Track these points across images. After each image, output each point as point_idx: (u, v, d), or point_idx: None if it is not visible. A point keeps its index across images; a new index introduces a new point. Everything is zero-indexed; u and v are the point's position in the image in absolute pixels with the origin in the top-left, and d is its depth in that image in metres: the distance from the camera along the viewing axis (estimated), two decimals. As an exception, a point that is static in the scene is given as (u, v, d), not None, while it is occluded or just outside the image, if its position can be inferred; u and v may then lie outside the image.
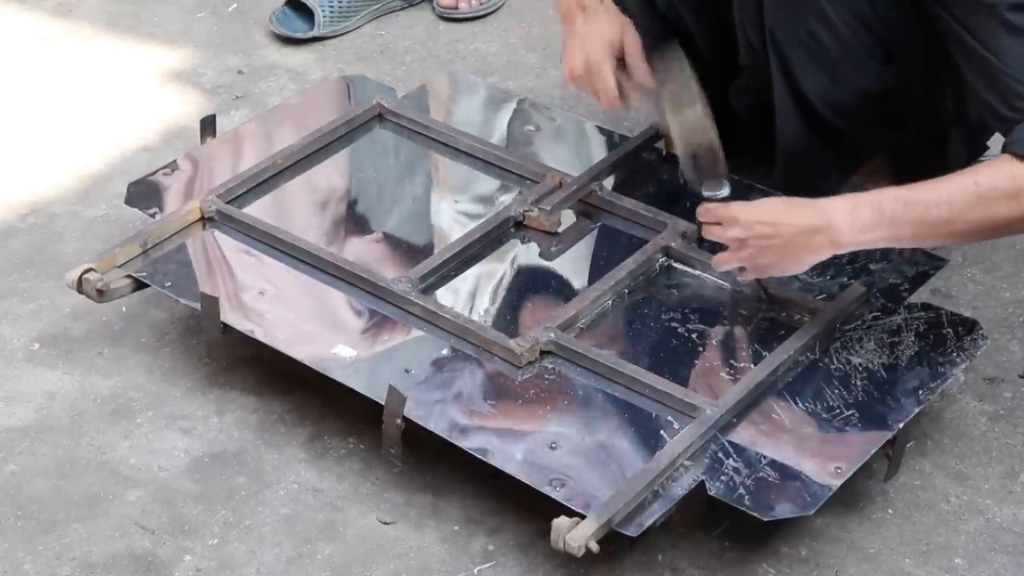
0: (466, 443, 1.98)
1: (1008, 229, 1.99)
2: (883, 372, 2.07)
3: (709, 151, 2.16)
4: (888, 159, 2.50)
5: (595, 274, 2.24)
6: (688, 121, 2.16)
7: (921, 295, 2.24)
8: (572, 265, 2.29)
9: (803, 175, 2.38)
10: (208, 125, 2.50)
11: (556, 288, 2.25)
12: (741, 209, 2.04)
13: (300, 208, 2.40)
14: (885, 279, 2.22)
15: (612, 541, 1.89)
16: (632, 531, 1.86)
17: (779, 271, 2.05)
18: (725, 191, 2.15)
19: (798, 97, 2.25)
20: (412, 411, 2.00)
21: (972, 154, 2.44)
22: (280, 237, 2.27)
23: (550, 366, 2.08)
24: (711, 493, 1.89)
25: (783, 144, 2.34)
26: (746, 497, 1.90)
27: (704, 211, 2.09)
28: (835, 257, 2.25)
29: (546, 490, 1.91)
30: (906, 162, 2.43)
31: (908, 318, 2.15)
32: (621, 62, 2.20)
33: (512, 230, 2.32)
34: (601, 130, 2.58)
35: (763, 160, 2.52)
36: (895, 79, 2.20)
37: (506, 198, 2.40)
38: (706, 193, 2.15)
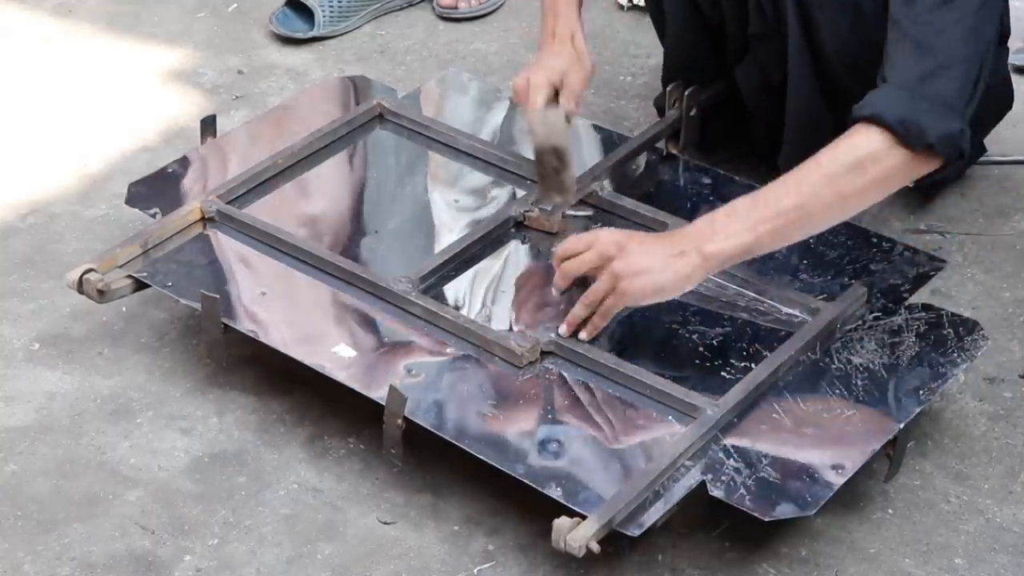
0: (466, 443, 1.98)
1: (862, 201, 2.02)
2: (884, 372, 2.07)
3: (559, 155, 2.26)
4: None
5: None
6: (546, 119, 2.26)
7: (921, 295, 2.24)
8: (572, 265, 2.29)
9: (810, 148, 2.38)
10: (208, 125, 2.50)
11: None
12: (603, 231, 2.08)
13: (300, 208, 2.40)
14: (886, 279, 2.22)
15: (612, 541, 1.89)
16: (633, 531, 1.86)
17: (651, 290, 2.02)
18: (562, 205, 2.26)
19: (814, 53, 2.28)
20: (413, 411, 2.00)
21: (971, 153, 2.44)
22: (280, 237, 2.27)
23: (550, 366, 2.08)
24: (711, 493, 1.89)
25: (792, 110, 2.36)
26: (747, 497, 1.90)
27: (560, 247, 2.10)
28: (835, 257, 2.27)
29: (546, 490, 1.91)
30: None
31: (909, 318, 2.15)
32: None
33: (512, 230, 2.32)
34: (601, 130, 2.58)
35: (764, 161, 2.53)
36: None
37: (506, 198, 2.40)
38: (543, 204, 2.26)
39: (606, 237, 2.05)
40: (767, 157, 2.50)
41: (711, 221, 2.02)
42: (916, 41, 2.03)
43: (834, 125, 2.33)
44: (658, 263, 2.01)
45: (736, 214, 2.00)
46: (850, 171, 1.99)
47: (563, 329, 2.08)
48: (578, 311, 2.07)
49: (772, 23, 2.30)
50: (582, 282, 2.08)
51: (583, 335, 2.07)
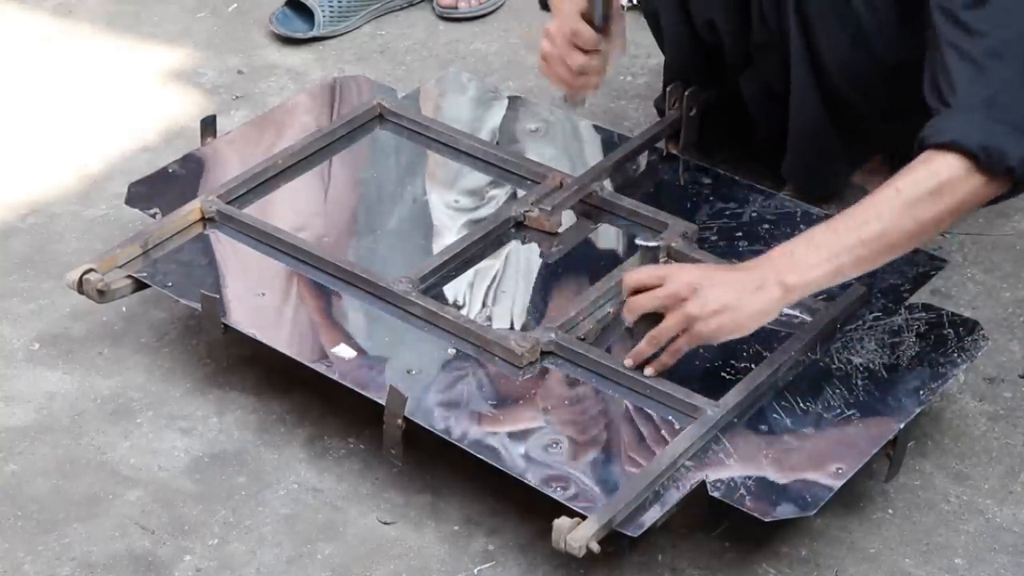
0: (466, 443, 1.98)
1: (937, 227, 2.00)
2: (884, 372, 2.07)
3: None
4: (888, 160, 2.51)
5: (596, 274, 2.24)
6: None
7: (921, 295, 2.24)
8: (573, 265, 2.29)
9: (812, 159, 2.39)
10: (208, 125, 2.50)
11: (557, 288, 2.25)
12: (676, 266, 2.02)
13: (300, 208, 2.40)
14: (886, 279, 2.22)
15: (612, 541, 1.89)
16: (633, 531, 1.86)
17: (728, 329, 1.98)
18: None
19: (816, 66, 2.27)
20: (412, 411, 2.00)
21: None
22: (280, 237, 2.27)
23: (551, 367, 2.08)
24: (712, 493, 1.89)
25: (795, 122, 2.35)
26: (747, 497, 1.90)
27: (630, 277, 2.03)
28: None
29: (547, 490, 1.91)
30: (904, 163, 2.44)
31: (909, 318, 2.15)
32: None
33: (513, 230, 2.32)
34: (601, 130, 2.58)
35: (764, 162, 2.53)
36: (909, 52, 2.21)
37: (507, 198, 2.40)
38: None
39: (679, 277, 1.98)
40: (767, 159, 2.50)
41: (790, 253, 1.97)
42: (975, 61, 2.00)
43: (837, 137, 2.34)
44: (735, 300, 1.95)
45: (816, 245, 1.96)
46: (930, 198, 1.95)
47: (627, 362, 2.02)
48: (644, 348, 2.00)
49: (775, 33, 2.30)
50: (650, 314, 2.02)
51: (649, 371, 2.01)
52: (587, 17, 2.26)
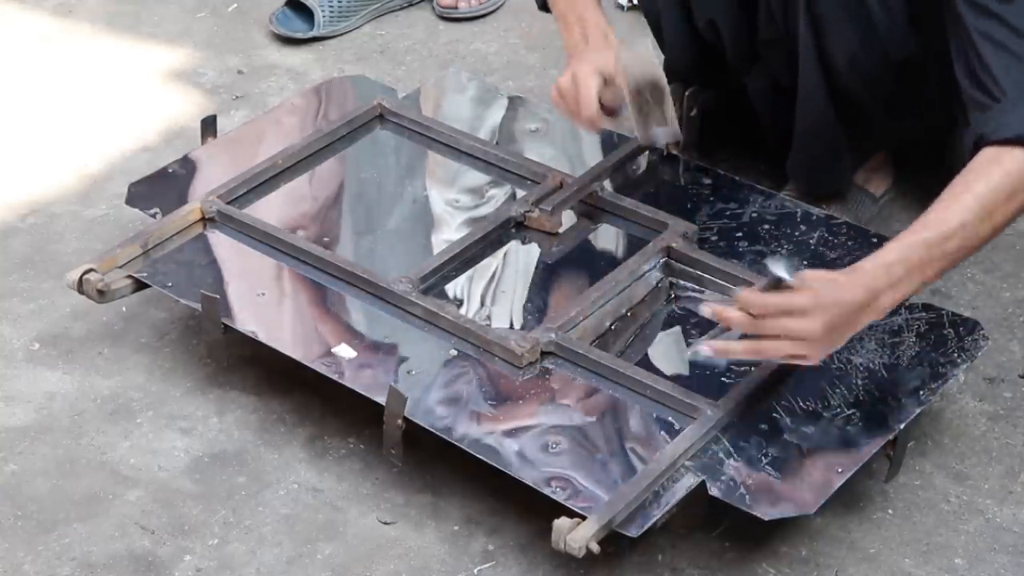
0: (466, 443, 1.98)
1: (1008, 225, 1.98)
2: (884, 372, 2.07)
3: (656, 89, 2.15)
4: (890, 159, 2.51)
5: (596, 275, 2.24)
6: (636, 55, 2.15)
7: (921, 295, 2.24)
8: (573, 266, 2.29)
9: (818, 156, 2.39)
10: (208, 125, 2.50)
11: (557, 289, 2.25)
12: (810, 300, 1.90)
13: (301, 209, 2.40)
14: (885, 279, 2.22)
15: (612, 541, 1.89)
16: (633, 532, 1.86)
17: (826, 351, 1.94)
18: (669, 138, 2.13)
19: (824, 62, 2.26)
20: (412, 412, 2.00)
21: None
22: (281, 238, 2.27)
23: (551, 367, 2.08)
24: (711, 493, 1.89)
25: (801, 118, 2.35)
26: (746, 497, 1.90)
27: (754, 298, 1.92)
28: (835, 257, 2.27)
29: (546, 491, 1.91)
30: (908, 166, 2.45)
31: (909, 318, 2.15)
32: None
33: (513, 231, 2.32)
34: (601, 130, 2.57)
35: (764, 161, 2.53)
36: (918, 48, 2.20)
37: (507, 199, 2.40)
38: (653, 139, 2.15)
39: (818, 318, 1.88)
40: (768, 157, 2.51)
41: (887, 269, 1.92)
42: (1014, 53, 1.98)
43: (843, 134, 2.34)
44: (851, 328, 1.92)
45: (910, 263, 1.92)
46: (1006, 200, 1.93)
47: (706, 348, 1.92)
48: (738, 348, 1.92)
49: (782, 30, 2.29)
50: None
51: (735, 350, 1.93)
52: (601, 98, 2.21)
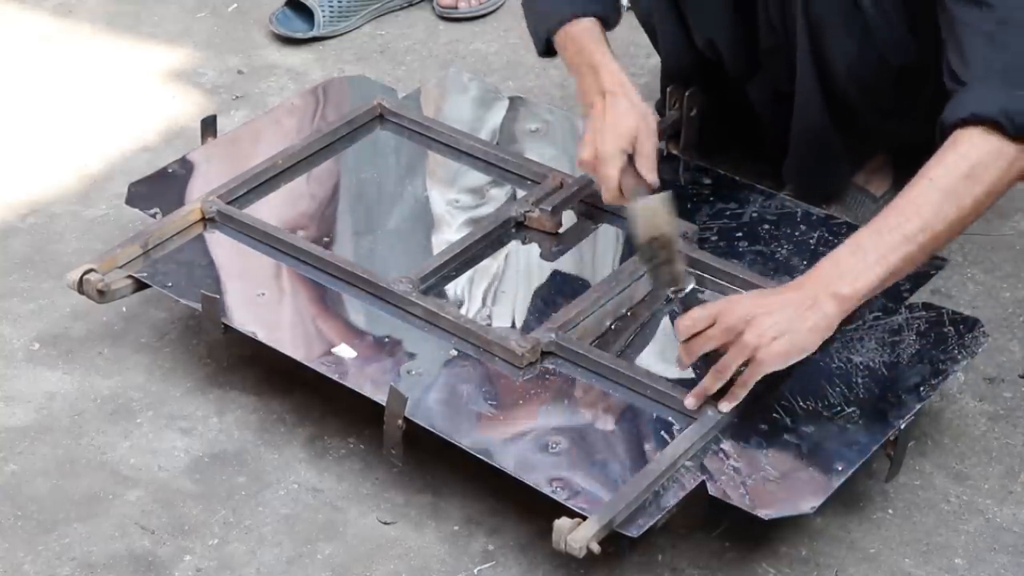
0: (467, 443, 1.98)
1: (979, 209, 1.95)
2: (884, 370, 2.07)
3: (667, 243, 2.04)
4: (890, 160, 2.51)
5: (596, 275, 2.24)
6: (650, 208, 2.07)
7: (922, 295, 2.24)
8: (573, 266, 2.29)
9: (815, 161, 2.39)
10: (209, 125, 2.50)
11: (557, 289, 2.25)
12: (724, 302, 1.96)
13: (301, 209, 2.40)
14: (886, 279, 2.22)
15: (612, 541, 1.89)
16: (633, 532, 1.85)
17: (790, 352, 1.93)
18: (686, 286, 2.04)
19: (822, 70, 2.26)
20: (413, 412, 2.00)
21: None
22: (281, 238, 2.27)
23: (551, 367, 2.08)
24: (711, 493, 1.89)
25: (799, 125, 2.35)
26: (746, 497, 1.90)
27: (682, 323, 1.97)
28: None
29: (547, 491, 1.91)
30: (908, 163, 2.44)
31: (909, 317, 2.15)
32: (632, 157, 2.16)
33: (513, 231, 2.32)
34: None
35: (764, 162, 2.53)
36: (916, 54, 2.20)
37: (507, 199, 2.40)
38: (665, 289, 2.07)
39: (730, 311, 1.93)
40: (767, 158, 2.50)
41: (836, 263, 1.93)
42: (987, 34, 1.96)
43: (839, 139, 2.34)
44: (792, 323, 1.91)
45: (862, 249, 1.92)
46: (965, 181, 1.91)
47: (690, 402, 1.96)
48: (708, 384, 1.95)
49: (781, 37, 2.29)
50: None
51: (724, 406, 1.95)
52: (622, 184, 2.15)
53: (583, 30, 2.21)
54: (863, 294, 1.94)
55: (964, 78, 1.98)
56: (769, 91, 2.41)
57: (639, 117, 2.16)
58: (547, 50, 2.29)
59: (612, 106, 2.16)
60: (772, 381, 2.00)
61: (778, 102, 2.39)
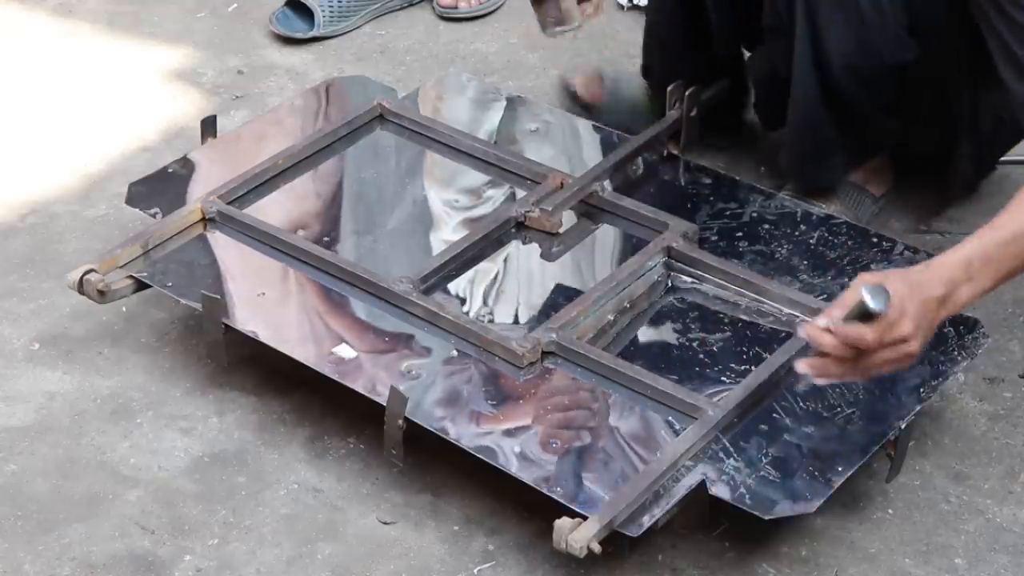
0: (467, 443, 1.98)
1: None
2: (884, 371, 2.07)
3: None
4: (890, 160, 2.51)
5: (596, 275, 2.24)
6: None
7: (921, 295, 2.24)
8: (573, 266, 2.29)
9: (809, 150, 2.39)
10: (209, 126, 2.50)
11: (557, 289, 2.25)
12: (907, 327, 1.81)
13: (301, 209, 2.40)
14: (886, 279, 2.22)
15: (612, 541, 1.89)
16: (634, 532, 1.86)
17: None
18: (573, 24, 2.05)
19: (819, 59, 2.26)
20: (413, 412, 2.00)
21: (978, 170, 2.44)
22: (281, 238, 2.27)
23: (551, 367, 2.08)
24: (712, 493, 1.89)
25: (795, 114, 2.35)
26: (746, 497, 1.90)
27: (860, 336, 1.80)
28: (836, 257, 2.27)
29: (547, 491, 1.91)
30: (908, 166, 2.44)
31: (909, 318, 2.15)
32: None
33: (513, 231, 2.32)
34: (601, 130, 2.58)
35: (764, 161, 2.53)
36: (915, 55, 2.20)
37: (507, 199, 2.40)
38: (552, 29, 2.07)
39: (905, 322, 1.79)
40: (767, 158, 2.51)
41: (967, 265, 1.86)
42: None
43: (834, 129, 2.34)
44: (933, 324, 1.84)
45: (990, 260, 1.87)
46: None
47: (801, 367, 1.83)
48: (835, 370, 1.82)
49: (784, 19, 2.29)
50: None
51: (806, 370, 1.83)
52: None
53: None
54: (971, 303, 1.89)
55: None
56: (768, 69, 2.41)
57: None
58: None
59: None
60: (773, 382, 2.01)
61: (774, 84, 2.39)
